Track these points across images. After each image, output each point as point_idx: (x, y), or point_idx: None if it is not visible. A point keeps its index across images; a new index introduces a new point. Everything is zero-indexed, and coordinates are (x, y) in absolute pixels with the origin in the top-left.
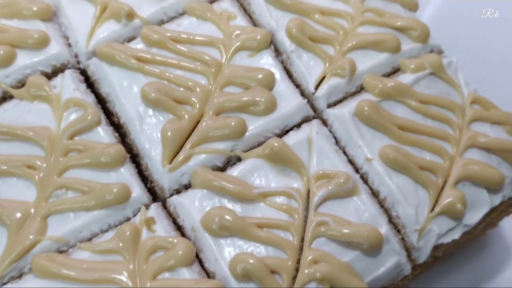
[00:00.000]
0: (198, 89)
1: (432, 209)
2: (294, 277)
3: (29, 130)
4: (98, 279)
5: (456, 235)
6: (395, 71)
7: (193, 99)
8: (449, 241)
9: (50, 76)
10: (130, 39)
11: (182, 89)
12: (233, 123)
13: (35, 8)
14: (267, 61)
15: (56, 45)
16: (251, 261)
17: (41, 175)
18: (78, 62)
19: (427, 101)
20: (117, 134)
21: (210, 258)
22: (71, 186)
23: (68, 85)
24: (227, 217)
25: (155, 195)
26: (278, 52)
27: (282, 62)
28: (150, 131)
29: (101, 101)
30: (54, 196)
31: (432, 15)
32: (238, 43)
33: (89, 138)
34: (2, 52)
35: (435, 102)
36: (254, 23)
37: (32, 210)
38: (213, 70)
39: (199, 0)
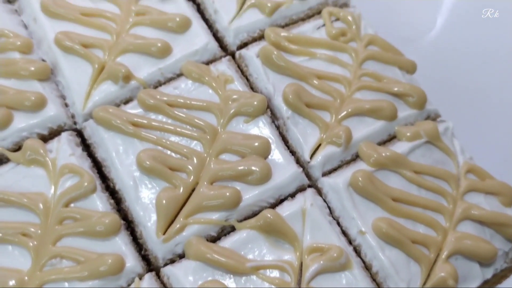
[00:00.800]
0: (193, 157)
1: (424, 284)
2: None
3: (24, 197)
4: None
5: None
6: (391, 138)
7: (189, 167)
8: None
9: (46, 138)
10: (127, 100)
11: (178, 156)
12: (228, 194)
13: (32, 68)
14: (263, 127)
15: (53, 107)
16: None
17: (36, 243)
18: (75, 123)
19: (422, 172)
20: (112, 201)
21: None
22: (66, 255)
23: (64, 149)
24: None
25: (149, 261)
26: (274, 117)
27: (278, 127)
28: (145, 199)
29: (97, 164)
30: (49, 265)
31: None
32: (235, 109)
33: (84, 205)
34: (0, 115)
35: (430, 173)
36: (251, 85)
37: (26, 278)
38: (208, 137)
39: (196, 61)
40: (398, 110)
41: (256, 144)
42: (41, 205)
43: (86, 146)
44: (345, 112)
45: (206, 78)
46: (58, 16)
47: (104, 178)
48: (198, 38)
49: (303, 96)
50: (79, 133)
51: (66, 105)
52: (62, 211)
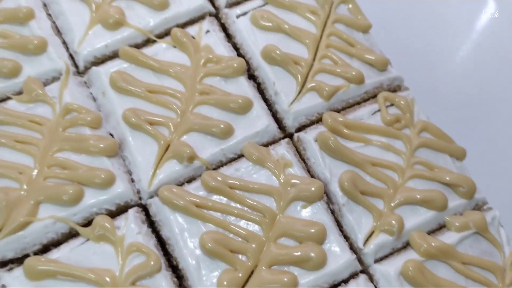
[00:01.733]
0: (253, 240)
1: None
2: None
3: (92, 273)
4: None
5: None
6: (441, 227)
7: (249, 250)
8: None
9: (114, 214)
10: (190, 179)
11: (238, 238)
12: (285, 279)
13: (102, 146)
14: (319, 212)
15: (121, 184)
16: None
17: None
18: (140, 198)
19: (469, 263)
20: (175, 279)
21: None
22: None
23: (132, 228)
24: None
25: None
26: (330, 201)
27: (333, 211)
28: (207, 280)
29: (161, 240)
30: None
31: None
32: (293, 194)
33: (149, 283)
34: (71, 191)
35: (478, 264)
36: (309, 169)
37: None
38: (268, 220)
39: (257, 142)
40: (448, 200)
41: (313, 230)
42: (109, 282)
43: (151, 222)
44: (398, 201)
45: (267, 163)
46: (126, 92)
47: (167, 253)
48: (259, 120)
49: (359, 184)
50: (144, 208)
51: (132, 180)
52: None
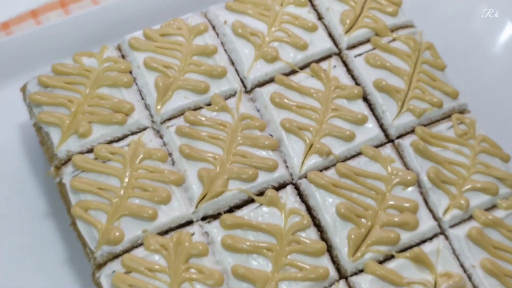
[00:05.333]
0: (370, 210)
1: None
2: None
3: (266, 225)
4: None
5: None
6: (493, 206)
7: (368, 216)
8: None
9: (277, 188)
10: (326, 167)
11: (360, 208)
12: (392, 236)
13: (267, 143)
14: (413, 193)
15: (282, 169)
16: None
17: (274, 253)
18: (292, 179)
19: None
20: (319, 233)
21: None
22: (295, 266)
23: (290, 199)
24: None
25: (340, 272)
26: (419, 186)
27: (422, 193)
28: (340, 233)
29: (308, 207)
30: (283, 270)
31: None
32: (396, 181)
33: (303, 234)
34: (251, 173)
35: None
36: (405, 164)
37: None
38: (380, 197)
39: (370, 145)
40: (499, 188)
41: (410, 205)
42: (277, 232)
43: (300, 194)
44: (465, 188)
45: (379, 160)
46: (282, 107)
47: (312, 216)
48: (371, 130)
49: (440, 176)
50: (295, 185)
51: (287, 166)
52: (291, 238)
